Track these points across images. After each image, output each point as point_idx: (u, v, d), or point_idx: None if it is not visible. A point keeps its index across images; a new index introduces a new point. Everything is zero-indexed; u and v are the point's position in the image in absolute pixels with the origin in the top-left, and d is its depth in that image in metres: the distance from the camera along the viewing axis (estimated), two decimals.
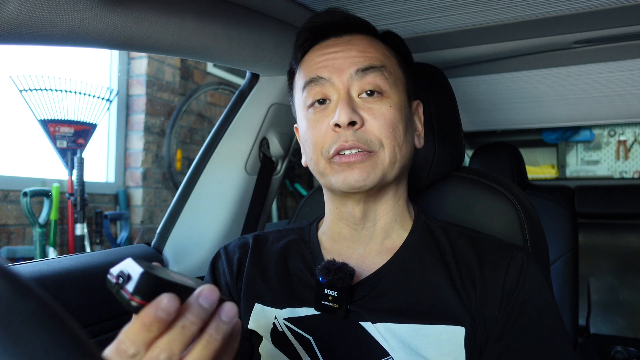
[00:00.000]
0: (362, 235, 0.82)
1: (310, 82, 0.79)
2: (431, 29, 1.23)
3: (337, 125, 0.75)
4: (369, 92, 0.77)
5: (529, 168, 3.45)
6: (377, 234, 0.82)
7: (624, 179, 3.74)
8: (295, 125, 0.93)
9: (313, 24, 0.84)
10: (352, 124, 0.74)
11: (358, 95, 0.77)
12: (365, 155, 0.75)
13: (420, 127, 0.87)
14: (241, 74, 3.31)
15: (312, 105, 0.80)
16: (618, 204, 2.28)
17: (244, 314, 0.83)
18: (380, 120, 0.76)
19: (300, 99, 0.83)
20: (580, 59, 1.56)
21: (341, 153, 0.75)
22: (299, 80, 0.83)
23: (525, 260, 0.76)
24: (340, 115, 0.74)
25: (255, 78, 1.32)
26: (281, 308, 0.80)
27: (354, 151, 0.75)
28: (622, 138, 4.14)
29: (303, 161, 0.88)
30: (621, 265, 2.23)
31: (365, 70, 0.77)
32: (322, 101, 0.79)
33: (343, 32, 0.83)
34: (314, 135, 0.78)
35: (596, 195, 2.32)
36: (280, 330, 0.78)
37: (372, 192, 0.79)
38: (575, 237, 2.17)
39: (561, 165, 4.26)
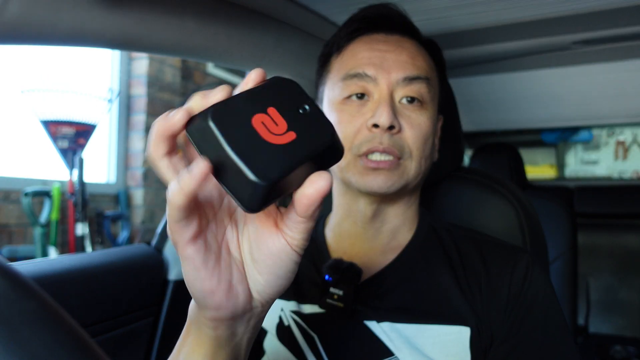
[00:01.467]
0: (369, 234, 0.82)
1: (353, 76, 0.77)
2: (430, 30, 1.23)
3: (375, 125, 0.74)
4: (409, 98, 0.76)
5: (528, 168, 3.45)
6: (384, 234, 0.82)
7: (623, 179, 3.75)
8: None
9: (367, 14, 0.82)
10: (390, 127, 0.74)
11: (399, 101, 0.77)
12: (394, 164, 0.74)
13: (436, 140, 0.86)
14: (241, 75, 3.31)
15: (348, 97, 0.78)
16: (617, 204, 2.28)
17: None
18: (417, 130, 0.76)
19: (335, 89, 0.80)
20: (580, 59, 1.56)
21: (370, 156, 0.75)
22: (339, 69, 0.81)
23: (530, 263, 0.76)
24: (381, 117, 0.72)
25: None
26: (287, 300, 0.80)
27: (384, 157, 0.74)
28: (621, 138, 4.15)
29: None
30: (620, 265, 2.23)
31: (413, 79, 0.76)
32: (361, 96, 0.77)
33: (394, 30, 0.81)
34: (346, 129, 0.76)
35: (595, 196, 2.33)
36: (286, 324, 0.78)
37: (389, 196, 0.79)
38: (575, 237, 2.18)
39: (560, 165, 4.27)
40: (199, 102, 0.40)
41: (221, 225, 0.45)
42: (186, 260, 0.42)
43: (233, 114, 0.37)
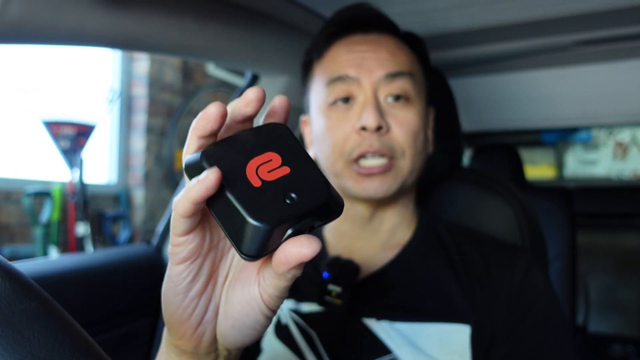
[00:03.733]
0: (367, 234, 0.82)
1: (336, 80, 0.76)
2: (431, 30, 1.23)
3: (362, 128, 0.73)
4: (395, 96, 0.76)
5: (527, 167, 3.46)
6: (382, 233, 0.82)
7: (621, 180, 3.75)
8: (302, 118, 0.89)
9: (342, 17, 0.82)
10: (378, 128, 0.73)
11: (384, 100, 0.76)
12: (387, 167, 0.74)
13: (430, 133, 0.85)
14: (241, 75, 3.31)
15: (334, 103, 0.77)
16: (616, 204, 2.29)
17: None
18: (405, 127, 0.75)
19: (320, 95, 0.79)
20: (579, 59, 1.56)
21: (360, 162, 0.74)
22: (322, 75, 0.80)
23: (530, 262, 0.76)
24: (368, 119, 0.72)
25: (255, 78, 1.32)
26: (286, 298, 0.80)
27: (376, 162, 0.74)
28: (620, 138, 4.15)
29: (312, 155, 0.86)
30: (619, 264, 2.24)
31: (395, 75, 0.76)
32: (346, 100, 0.77)
33: (371, 30, 0.81)
34: (335, 135, 0.76)
35: (594, 196, 2.33)
36: (284, 322, 0.78)
37: (386, 199, 0.78)
38: (573, 237, 2.18)
39: (559, 165, 4.27)
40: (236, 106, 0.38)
41: (220, 254, 0.42)
42: (171, 279, 0.39)
43: (230, 156, 0.36)
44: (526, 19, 1.15)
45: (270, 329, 0.79)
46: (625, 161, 4.13)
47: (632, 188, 2.35)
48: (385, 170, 0.74)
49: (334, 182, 0.80)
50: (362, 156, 0.74)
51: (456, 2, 1.05)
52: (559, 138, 4.04)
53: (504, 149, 2.27)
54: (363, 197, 0.75)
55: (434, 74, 1.05)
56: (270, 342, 0.79)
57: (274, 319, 0.79)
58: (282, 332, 0.78)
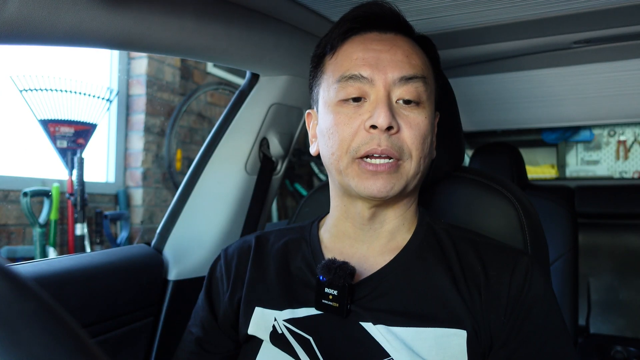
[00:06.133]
0: (367, 235, 0.81)
1: (349, 78, 0.76)
2: (431, 29, 1.23)
3: (372, 126, 0.73)
4: (407, 100, 0.75)
5: (528, 168, 3.46)
6: (382, 235, 0.81)
7: (624, 179, 3.75)
8: (308, 111, 0.89)
9: (359, 13, 0.81)
10: (388, 128, 0.73)
11: (396, 101, 0.75)
12: (393, 167, 0.73)
13: (434, 138, 0.84)
14: (241, 74, 3.31)
15: (345, 100, 0.77)
16: (618, 204, 2.28)
17: (244, 318, 0.83)
18: (415, 130, 0.75)
19: (330, 91, 0.78)
20: (580, 59, 1.56)
21: (367, 159, 0.74)
22: (334, 70, 0.79)
23: (529, 266, 0.75)
24: (379, 117, 0.72)
25: (255, 78, 1.32)
26: (281, 309, 0.80)
27: (383, 161, 0.73)
28: (622, 138, 4.15)
29: (314, 150, 0.85)
30: (621, 265, 2.23)
31: (410, 78, 0.75)
32: (357, 99, 0.76)
33: (388, 29, 0.80)
34: (343, 131, 0.75)
35: (596, 195, 2.33)
36: (280, 332, 0.78)
37: (388, 199, 0.77)
38: (575, 237, 2.17)
39: (561, 165, 4.27)
40: None
41: None
42: None
43: None
44: (527, 18, 1.15)
45: (267, 338, 0.79)
46: (627, 161, 4.13)
47: (635, 188, 2.34)
48: (391, 169, 0.73)
49: (336, 179, 0.80)
50: (369, 156, 0.73)
51: (456, 1, 1.05)
52: (560, 138, 4.04)
53: (505, 147, 2.27)
54: (366, 195, 0.75)
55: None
56: (268, 351, 0.79)
57: (269, 329, 0.79)
58: (279, 341, 0.78)
